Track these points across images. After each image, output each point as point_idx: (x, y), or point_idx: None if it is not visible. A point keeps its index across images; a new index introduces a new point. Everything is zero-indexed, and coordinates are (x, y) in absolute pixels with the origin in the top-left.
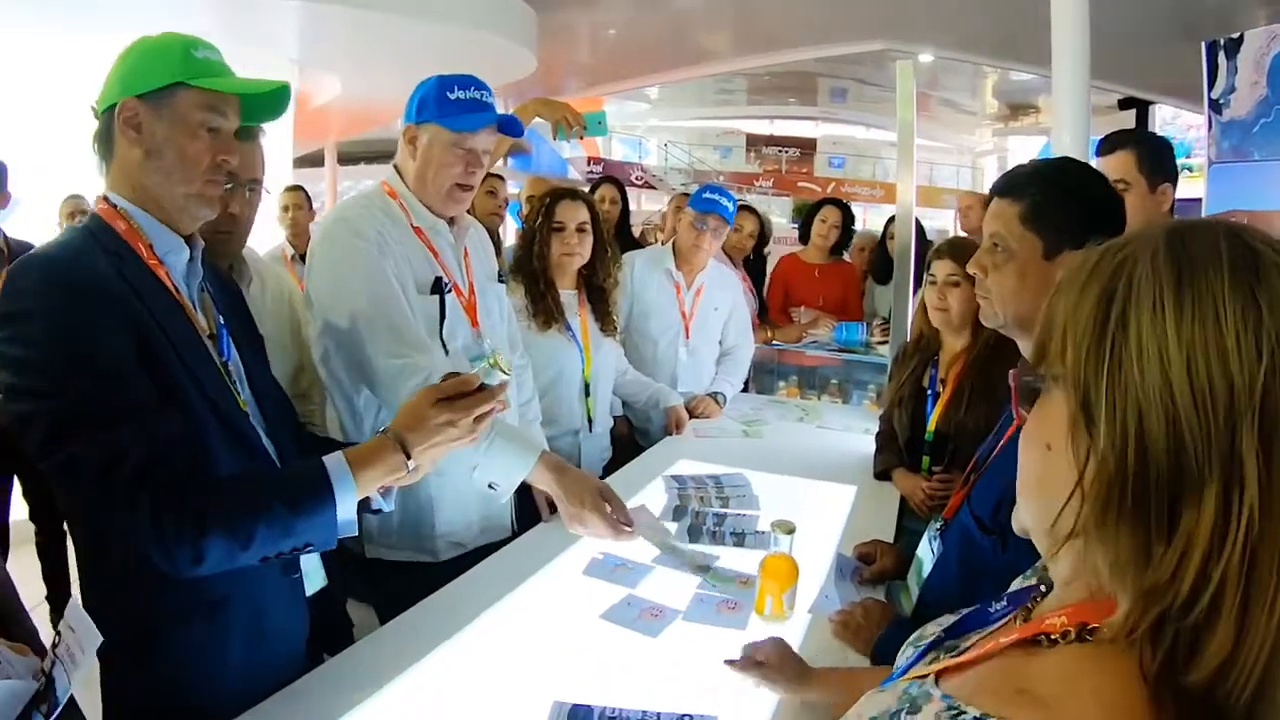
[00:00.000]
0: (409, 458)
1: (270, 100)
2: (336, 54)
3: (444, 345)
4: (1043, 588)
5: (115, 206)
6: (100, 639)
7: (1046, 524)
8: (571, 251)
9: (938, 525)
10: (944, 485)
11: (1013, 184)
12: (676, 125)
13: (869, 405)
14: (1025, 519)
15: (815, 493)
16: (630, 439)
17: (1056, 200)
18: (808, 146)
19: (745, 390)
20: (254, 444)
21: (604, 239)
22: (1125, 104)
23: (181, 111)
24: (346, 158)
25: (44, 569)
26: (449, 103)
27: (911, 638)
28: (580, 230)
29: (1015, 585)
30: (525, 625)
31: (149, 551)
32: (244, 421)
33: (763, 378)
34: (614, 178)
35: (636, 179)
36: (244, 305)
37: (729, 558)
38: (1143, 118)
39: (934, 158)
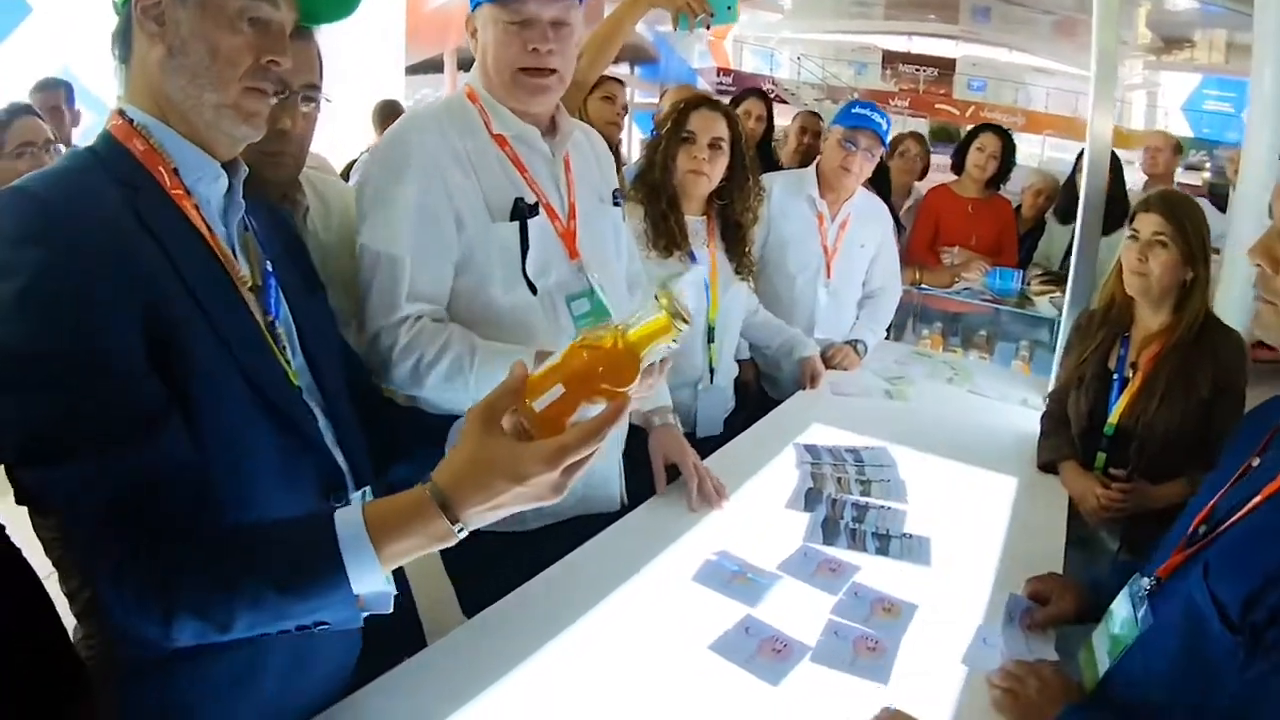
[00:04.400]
0: (456, 523)
1: None
2: None
3: (529, 284)
4: None
5: (132, 122)
6: None
7: None
8: (700, 169)
9: (1147, 584)
10: (1125, 497)
11: None
12: (810, 38)
13: (1021, 367)
14: None
15: (969, 482)
16: (756, 387)
17: None
18: (946, 67)
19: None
20: (304, 428)
21: (745, 163)
22: None
23: None
24: (468, 63)
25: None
26: None
27: None
28: (714, 146)
29: None
30: (615, 648)
31: (112, 610)
32: (292, 399)
33: (902, 322)
34: (760, 90)
35: (767, 92)
36: (299, 245)
37: (869, 570)
38: None
39: (1082, 87)
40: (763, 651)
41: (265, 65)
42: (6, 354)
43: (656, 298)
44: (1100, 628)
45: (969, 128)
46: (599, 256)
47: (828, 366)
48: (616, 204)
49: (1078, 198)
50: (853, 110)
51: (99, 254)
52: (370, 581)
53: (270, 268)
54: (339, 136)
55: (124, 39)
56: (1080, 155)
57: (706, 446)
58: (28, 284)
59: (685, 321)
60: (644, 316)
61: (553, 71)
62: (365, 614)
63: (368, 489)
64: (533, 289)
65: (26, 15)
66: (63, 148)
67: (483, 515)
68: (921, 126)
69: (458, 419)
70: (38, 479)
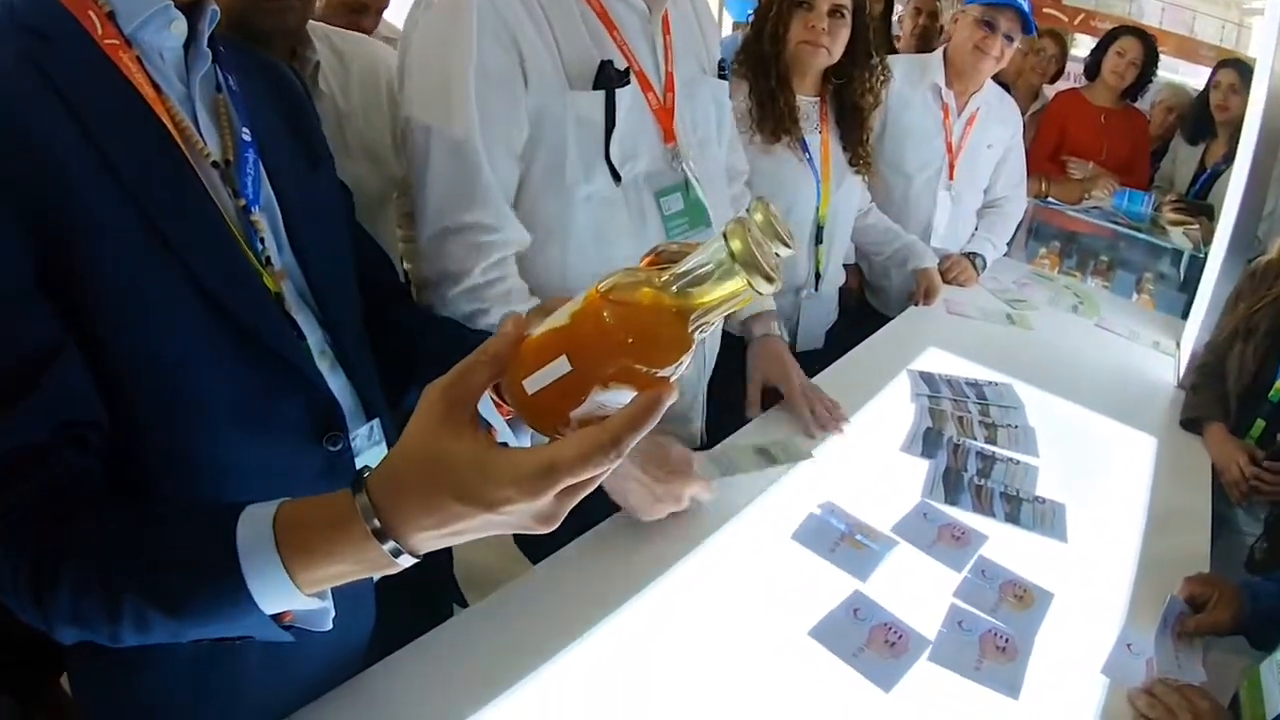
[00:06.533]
0: (398, 550)
1: None
2: None
3: (612, 169)
4: None
5: None
6: None
7: None
8: (817, 40)
9: None
10: (1276, 479)
11: None
12: None
13: (1145, 301)
14: None
15: (1103, 436)
16: (860, 298)
17: None
18: None
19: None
20: (281, 348)
21: (867, 37)
22: None
23: None
24: None
25: None
26: None
27: None
28: (835, 14)
29: None
30: (695, 621)
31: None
32: (263, 310)
33: (1016, 235)
34: None
35: None
36: (302, 108)
37: (997, 542)
38: None
39: (1198, 5)
40: (873, 643)
41: None
42: None
43: (725, 235)
44: (1268, 665)
45: (1076, 35)
46: (698, 141)
47: (945, 278)
48: (723, 76)
49: (1209, 117)
50: None
51: None
52: (288, 602)
53: (249, 138)
54: None
55: None
56: (1216, 72)
57: (807, 361)
58: None
59: (769, 279)
60: (705, 260)
61: None
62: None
63: (377, 422)
64: (616, 177)
65: None
66: None
67: (437, 539)
68: None
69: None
70: None
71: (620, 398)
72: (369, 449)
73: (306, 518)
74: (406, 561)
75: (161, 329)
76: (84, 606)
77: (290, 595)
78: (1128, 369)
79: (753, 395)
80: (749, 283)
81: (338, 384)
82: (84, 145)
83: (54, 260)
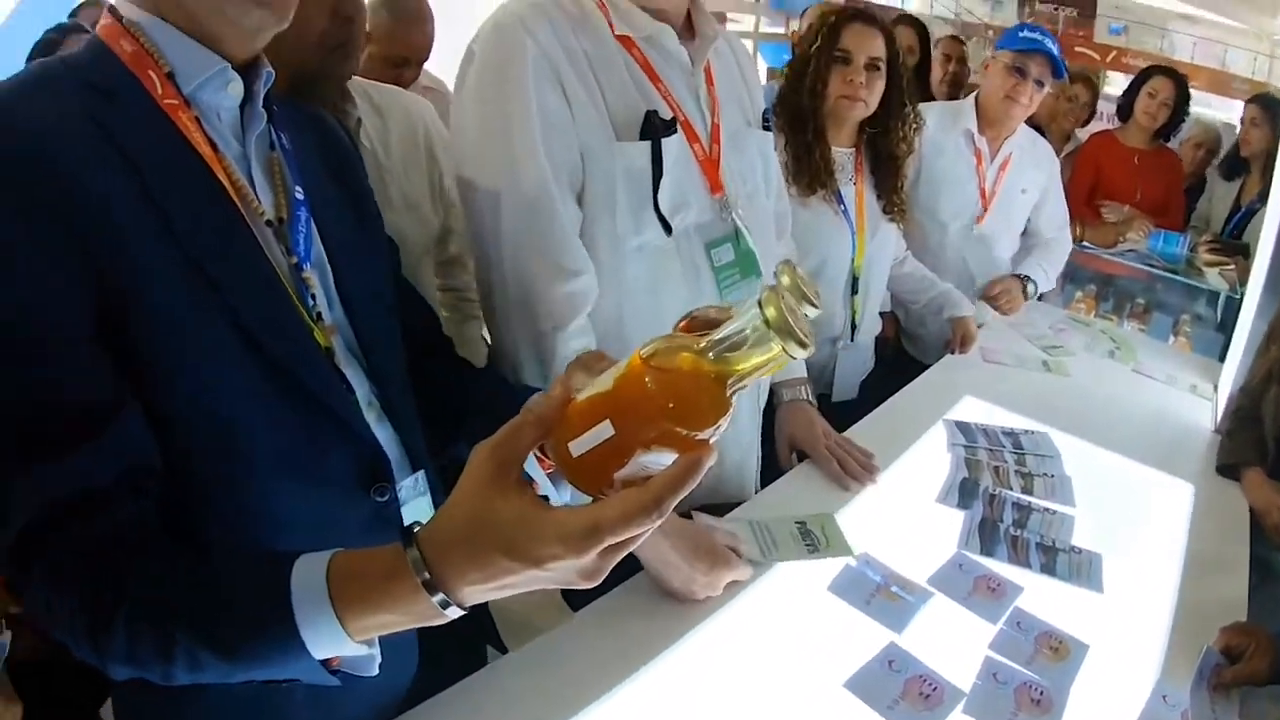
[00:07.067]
0: (446, 602)
1: None
2: None
3: (662, 220)
4: None
5: (121, 20)
6: None
7: None
8: (855, 94)
9: None
10: None
11: None
12: None
13: (1182, 344)
14: None
15: (1139, 483)
16: (897, 346)
17: None
18: (1087, 7)
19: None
20: (331, 401)
21: (902, 87)
22: None
23: None
24: None
25: None
26: None
27: None
28: (871, 67)
29: None
30: (732, 670)
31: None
32: (315, 364)
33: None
34: (914, 18)
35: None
36: (352, 163)
37: (1033, 593)
38: None
39: (1228, 38)
40: (908, 695)
41: None
42: None
43: (760, 303)
44: None
45: (1108, 73)
46: (745, 191)
47: (989, 298)
48: (766, 127)
49: (1245, 154)
50: (1021, 34)
51: (31, 190)
52: (337, 649)
53: (302, 196)
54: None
55: None
56: (1251, 105)
57: (843, 411)
58: None
59: (802, 345)
60: (742, 327)
61: None
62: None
63: (422, 473)
64: (667, 228)
65: None
66: None
67: (484, 592)
68: None
69: (537, 393)
70: None
71: (662, 459)
72: (414, 499)
73: (359, 569)
74: (454, 613)
75: (215, 381)
76: (138, 647)
77: (340, 643)
78: (1164, 414)
79: (783, 458)
80: (784, 349)
81: (384, 435)
82: (143, 201)
83: (113, 311)
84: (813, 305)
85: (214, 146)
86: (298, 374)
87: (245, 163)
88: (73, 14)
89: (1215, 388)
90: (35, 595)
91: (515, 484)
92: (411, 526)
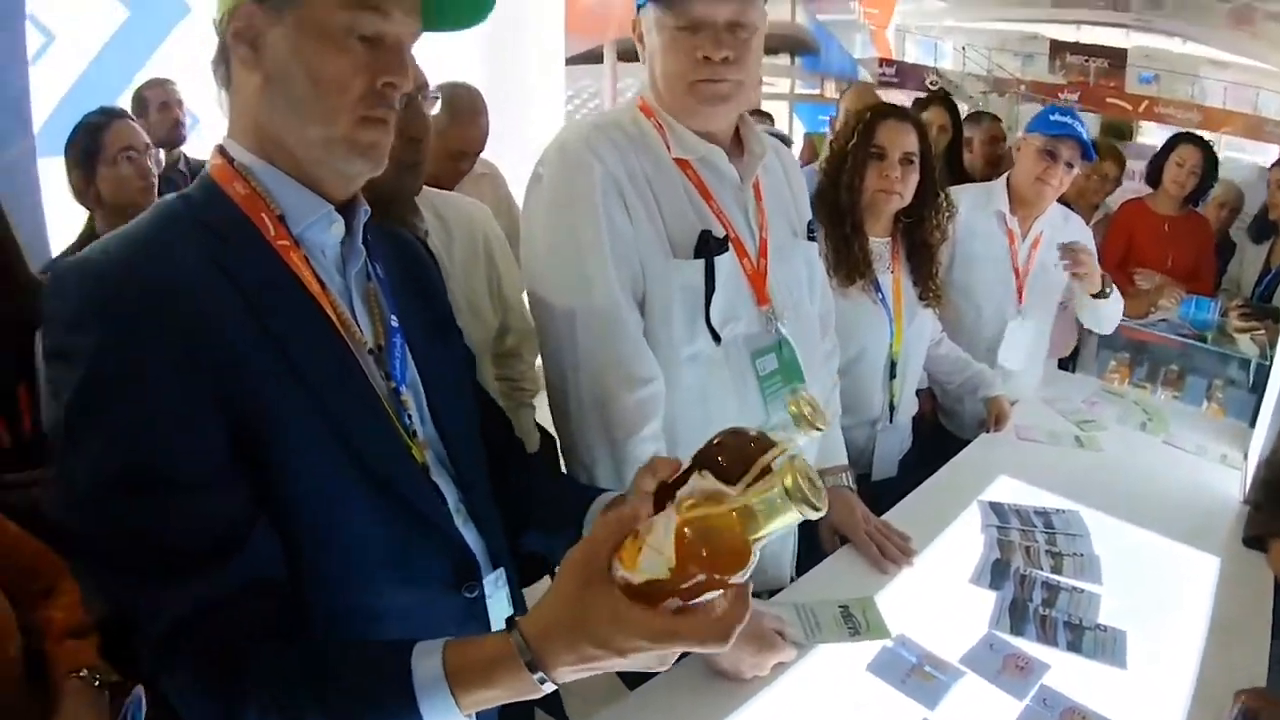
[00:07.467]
0: (544, 679)
1: None
2: None
3: (713, 332)
4: None
5: (233, 162)
6: None
7: None
8: (891, 188)
9: None
10: None
11: None
12: (975, 27)
13: (1215, 410)
14: None
15: (1166, 558)
16: (934, 422)
17: None
18: (1117, 58)
19: (1068, 367)
20: (428, 512)
21: (934, 177)
22: None
23: (314, 10)
24: (628, 54)
25: None
26: None
27: None
28: (906, 162)
29: None
30: None
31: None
32: (414, 480)
33: (1087, 347)
34: (947, 96)
35: (931, 84)
36: (433, 283)
37: (1059, 670)
38: None
39: (1262, 82)
40: None
41: (382, 90)
42: (72, 463)
43: (781, 480)
44: None
45: (1142, 123)
46: (790, 302)
47: (1069, 252)
48: (811, 238)
49: (1274, 216)
50: (1051, 117)
51: (166, 332)
52: None
53: (396, 323)
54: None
55: (223, 63)
56: (1271, 169)
57: (881, 490)
58: (85, 374)
59: (815, 507)
60: (771, 498)
61: (733, 81)
62: None
63: (501, 571)
64: (716, 338)
65: (185, 16)
66: (162, 155)
67: (575, 672)
68: (1092, 122)
69: (603, 494)
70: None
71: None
72: (496, 593)
73: (472, 656)
74: (549, 688)
75: (327, 495)
76: None
77: (453, 717)
78: (1193, 487)
79: (826, 544)
80: (800, 511)
81: (470, 537)
82: (262, 337)
83: (243, 439)
84: (813, 505)
85: (321, 283)
86: (399, 489)
87: (347, 295)
88: (138, 92)
89: (1245, 455)
90: (173, 692)
91: (602, 581)
92: (512, 618)
